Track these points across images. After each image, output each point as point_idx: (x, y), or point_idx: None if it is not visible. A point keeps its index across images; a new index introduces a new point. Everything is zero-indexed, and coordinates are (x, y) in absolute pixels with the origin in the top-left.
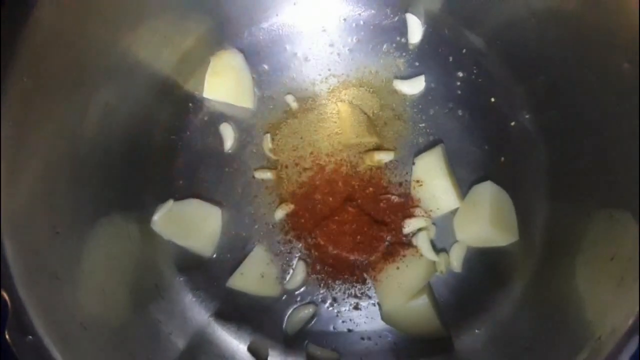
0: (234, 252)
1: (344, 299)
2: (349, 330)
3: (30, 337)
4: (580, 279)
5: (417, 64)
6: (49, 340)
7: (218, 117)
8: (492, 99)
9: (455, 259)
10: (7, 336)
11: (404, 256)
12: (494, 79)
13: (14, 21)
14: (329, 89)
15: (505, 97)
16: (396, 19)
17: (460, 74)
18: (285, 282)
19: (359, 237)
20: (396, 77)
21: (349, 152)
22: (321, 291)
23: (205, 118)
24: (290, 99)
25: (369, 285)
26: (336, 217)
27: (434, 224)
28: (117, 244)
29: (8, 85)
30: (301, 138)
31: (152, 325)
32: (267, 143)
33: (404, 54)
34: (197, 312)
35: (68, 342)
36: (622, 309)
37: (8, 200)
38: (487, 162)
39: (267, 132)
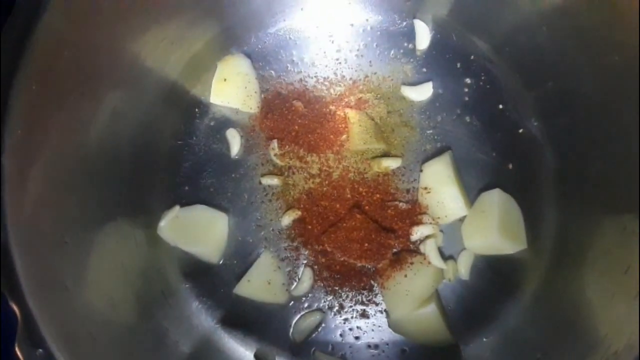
0: (240, 259)
1: (351, 306)
2: (356, 338)
3: (41, 350)
4: (592, 290)
5: (424, 70)
6: (59, 353)
7: (224, 123)
8: (500, 106)
9: (463, 267)
10: (17, 349)
11: (411, 263)
12: (502, 85)
13: (23, 28)
14: (336, 94)
15: (513, 103)
16: (404, 24)
17: (468, 81)
18: (292, 289)
19: (366, 244)
20: (404, 83)
21: (356, 159)
22: (328, 298)
23: (212, 123)
24: (297, 104)
25: (377, 293)
26: (343, 224)
27: (441, 231)
28: (123, 250)
29: (17, 91)
30: (308, 144)
31: (158, 332)
32: (274, 149)
33: (411, 60)
34: (204, 318)
35: (77, 353)
36: (638, 323)
37: (15, 210)
38: (495, 169)
39: (274, 138)
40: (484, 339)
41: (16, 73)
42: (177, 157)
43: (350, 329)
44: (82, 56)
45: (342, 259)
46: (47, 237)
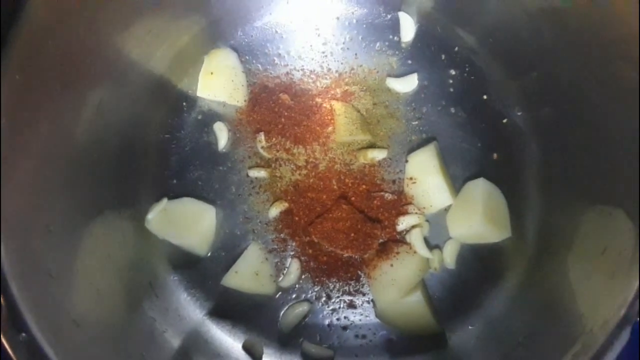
0: (228, 251)
1: (338, 297)
2: (344, 328)
3: (24, 334)
4: (573, 273)
5: (409, 62)
6: (43, 337)
7: (212, 116)
8: (485, 96)
9: (449, 256)
10: (0, 334)
11: (397, 253)
12: (486, 76)
13: (6, 18)
14: (323, 87)
15: (497, 94)
16: (389, 17)
17: (453, 72)
18: (279, 280)
19: (352, 234)
20: (389, 75)
21: (342, 150)
22: (315, 289)
23: (199, 117)
24: (283, 97)
25: (363, 283)
26: (330, 215)
27: (427, 221)
28: (111, 242)
29: (0, 82)
30: (295, 136)
31: (146, 324)
32: (261, 141)
33: (396, 52)
34: (192, 310)
35: (62, 339)
36: (614, 301)
37: (1, 198)
38: (480, 159)
39: (261, 131)
40: (470, 327)
41: None
42: (164, 150)
43: (338, 319)
44: (65, 47)
45: (329, 249)
46: (32, 225)
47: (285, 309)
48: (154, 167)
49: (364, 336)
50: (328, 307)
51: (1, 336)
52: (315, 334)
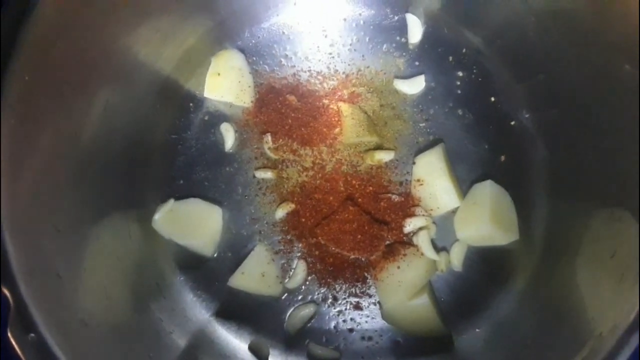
0: (234, 252)
1: (344, 298)
2: (350, 330)
3: (32, 334)
4: (581, 276)
5: (417, 63)
6: (51, 337)
7: (219, 117)
8: (492, 98)
9: (456, 258)
10: (9, 334)
11: (404, 255)
12: (493, 78)
13: (15, 18)
14: (330, 88)
15: (505, 96)
16: (396, 18)
17: (460, 74)
18: (285, 281)
19: (359, 236)
20: (396, 77)
21: (349, 152)
22: (322, 290)
23: (206, 117)
24: (290, 98)
25: (370, 284)
26: (337, 216)
27: (434, 223)
28: (118, 242)
29: (9, 82)
30: (301, 137)
31: (153, 324)
32: (268, 142)
33: (404, 53)
34: (198, 311)
35: (70, 339)
36: (623, 305)
37: (10, 198)
38: (487, 161)
39: (268, 132)
40: (477, 330)
41: (8, 63)
42: (171, 151)
43: (344, 321)
44: (74, 48)
45: (335, 251)
46: (40, 225)
47: (291, 310)
48: (160, 167)
49: (370, 338)
50: (334, 308)
51: (10, 336)
52: (322, 336)
